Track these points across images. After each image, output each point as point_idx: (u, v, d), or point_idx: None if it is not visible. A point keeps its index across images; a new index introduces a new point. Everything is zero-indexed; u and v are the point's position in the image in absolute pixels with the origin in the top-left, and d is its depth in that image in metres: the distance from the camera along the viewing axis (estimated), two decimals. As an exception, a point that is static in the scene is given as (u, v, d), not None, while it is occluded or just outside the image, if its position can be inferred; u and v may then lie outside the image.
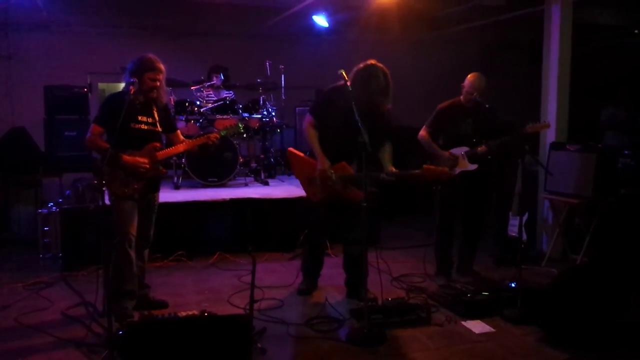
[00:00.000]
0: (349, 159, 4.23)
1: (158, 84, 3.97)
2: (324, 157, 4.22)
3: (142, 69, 3.92)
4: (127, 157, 3.87)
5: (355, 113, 3.84)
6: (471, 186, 4.78)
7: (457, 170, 4.70)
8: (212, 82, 7.29)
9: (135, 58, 3.98)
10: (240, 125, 4.26)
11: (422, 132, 4.89)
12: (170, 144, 4.26)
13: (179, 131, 4.32)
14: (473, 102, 4.68)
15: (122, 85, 4.06)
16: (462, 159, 4.70)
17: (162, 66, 3.99)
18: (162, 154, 4.04)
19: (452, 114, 4.78)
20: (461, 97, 4.78)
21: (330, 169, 4.18)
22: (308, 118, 4.39)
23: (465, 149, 4.71)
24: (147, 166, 3.92)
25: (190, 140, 4.19)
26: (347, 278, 4.61)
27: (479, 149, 4.63)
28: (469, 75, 4.74)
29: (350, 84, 4.02)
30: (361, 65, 4.15)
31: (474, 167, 4.68)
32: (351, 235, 4.42)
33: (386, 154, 4.29)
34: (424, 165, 3.87)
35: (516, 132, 4.54)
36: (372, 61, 4.15)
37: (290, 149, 4.76)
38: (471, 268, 5.02)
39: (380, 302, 4.09)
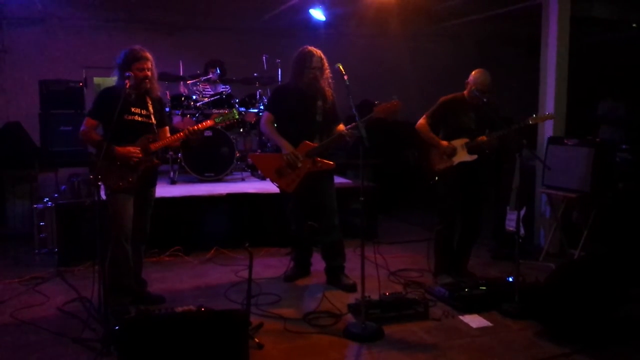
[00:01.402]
0: (309, 138, 4.44)
1: (148, 73, 3.94)
2: (286, 142, 4.45)
3: (129, 61, 3.89)
4: (119, 148, 3.84)
5: (353, 107, 3.91)
6: (469, 182, 4.75)
7: (456, 161, 4.67)
8: (208, 77, 7.25)
9: (121, 52, 3.95)
10: (235, 112, 4.26)
11: (422, 121, 4.82)
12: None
13: (167, 128, 4.25)
14: (477, 98, 4.65)
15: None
16: (461, 149, 4.67)
17: (149, 55, 3.95)
18: (155, 145, 4.00)
19: (455, 107, 4.73)
20: (465, 93, 4.73)
21: (295, 151, 4.39)
22: (265, 115, 4.66)
23: (465, 140, 4.67)
24: (140, 155, 3.89)
25: (182, 132, 4.10)
26: (326, 266, 4.75)
27: (479, 138, 4.60)
28: (473, 72, 4.70)
29: (291, 72, 4.53)
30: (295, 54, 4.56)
31: (472, 157, 4.66)
32: (327, 223, 4.56)
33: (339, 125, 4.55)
34: (374, 108, 4.14)
35: (518, 124, 4.51)
36: (306, 47, 4.51)
37: (251, 154, 5.09)
38: (466, 268, 4.98)
39: (362, 290, 4.05)
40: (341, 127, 4.51)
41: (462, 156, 4.66)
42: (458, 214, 4.81)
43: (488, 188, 5.19)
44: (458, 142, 4.68)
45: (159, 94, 4.15)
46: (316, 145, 4.42)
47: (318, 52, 4.49)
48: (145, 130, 3.99)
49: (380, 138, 7.14)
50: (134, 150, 3.89)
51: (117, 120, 3.66)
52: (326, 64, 4.49)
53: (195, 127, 4.06)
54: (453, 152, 4.66)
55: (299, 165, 4.39)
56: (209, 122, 4.13)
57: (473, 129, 4.68)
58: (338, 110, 4.61)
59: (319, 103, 4.49)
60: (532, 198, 5.99)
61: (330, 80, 4.54)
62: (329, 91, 4.53)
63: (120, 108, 3.70)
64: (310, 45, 4.53)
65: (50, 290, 4.57)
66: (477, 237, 4.96)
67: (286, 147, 4.44)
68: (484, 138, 4.57)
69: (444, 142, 4.68)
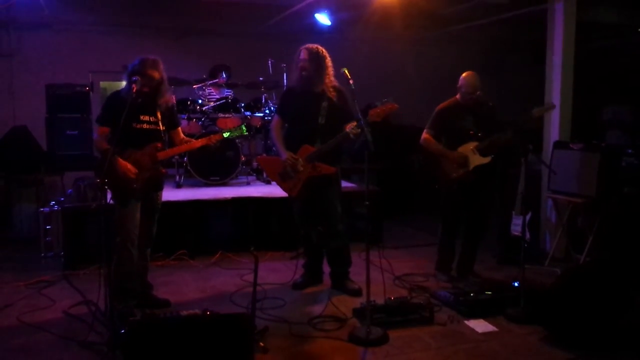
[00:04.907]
0: (311, 141, 4.37)
1: (147, 90, 3.91)
2: (284, 148, 4.46)
3: (140, 70, 3.89)
4: (121, 162, 3.84)
5: (358, 112, 3.91)
6: (473, 185, 4.75)
7: (472, 166, 4.67)
8: (215, 80, 7.27)
9: (136, 59, 3.95)
10: (244, 128, 4.29)
11: (425, 135, 4.82)
12: (171, 141, 4.25)
13: (180, 129, 4.29)
14: (472, 100, 4.66)
15: (123, 83, 4.04)
16: (473, 154, 4.66)
17: (155, 73, 3.91)
18: (162, 154, 4.01)
19: (453, 113, 4.74)
20: (457, 96, 4.75)
21: (293, 156, 4.37)
22: (274, 119, 4.70)
23: (475, 144, 4.67)
24: (134, 177, 3.87)
25: (192, 142, 4.17)
26: (331, 271, 4.72)
27: (496, 137, 4.58)
28: (463, 74, 4.72)
29: (295, 75, 4.43)
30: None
31: (487, 159, 4.65)
32: (330, 230, 4.53)
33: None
34: (369, 111, 3.99)
35: (523, 117, 4.50)
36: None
37: (259, 157, 5.18)
38: (472, 269, 4.99)
39: (367, 294, 4.05)
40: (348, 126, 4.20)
41: (477, 160, 4.66)
42: (462, 219, 4.81)
43: (492, 192, 5.17)
44: (467, 148, 4.67)
45: (171, 102, 4.17)
46: (315, 149, 4.35)
47: (310, 47, 4.35)
48: (153, 137, 4.00)
49: (385, 142, 7.13)
50: (132, 170, 3.86)
51: (125, 128, 3.67)
52: (322, 60, 4.34)
53: (203, 142, 4.10)
54: (465, 160, 4.66)
55: (300, 169, 4.36)
56: (217, 137, 4.14)
57: (475, 131, 4.68)
58: (351, 109, 4.20)
59: (324, 104, 4.35)
60: (538, 203, 5.97)
61: (332, 78, 4.39)
62: (332, 89, 4.37)
63: (129, 115, 3.69)
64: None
65: (56, 293, 4.58)
66: (480, 239, 4.97)
67: (283, 152, 4.43)
68: (509, 138, 4.54)
69: (454, 153, 4.68)
